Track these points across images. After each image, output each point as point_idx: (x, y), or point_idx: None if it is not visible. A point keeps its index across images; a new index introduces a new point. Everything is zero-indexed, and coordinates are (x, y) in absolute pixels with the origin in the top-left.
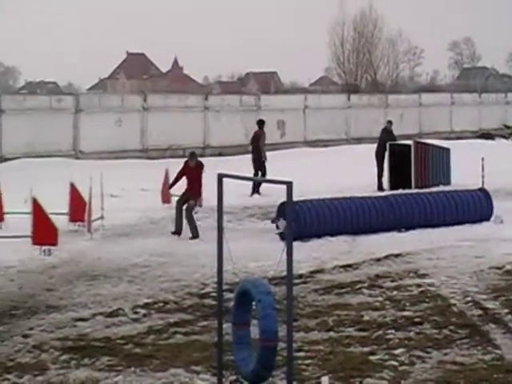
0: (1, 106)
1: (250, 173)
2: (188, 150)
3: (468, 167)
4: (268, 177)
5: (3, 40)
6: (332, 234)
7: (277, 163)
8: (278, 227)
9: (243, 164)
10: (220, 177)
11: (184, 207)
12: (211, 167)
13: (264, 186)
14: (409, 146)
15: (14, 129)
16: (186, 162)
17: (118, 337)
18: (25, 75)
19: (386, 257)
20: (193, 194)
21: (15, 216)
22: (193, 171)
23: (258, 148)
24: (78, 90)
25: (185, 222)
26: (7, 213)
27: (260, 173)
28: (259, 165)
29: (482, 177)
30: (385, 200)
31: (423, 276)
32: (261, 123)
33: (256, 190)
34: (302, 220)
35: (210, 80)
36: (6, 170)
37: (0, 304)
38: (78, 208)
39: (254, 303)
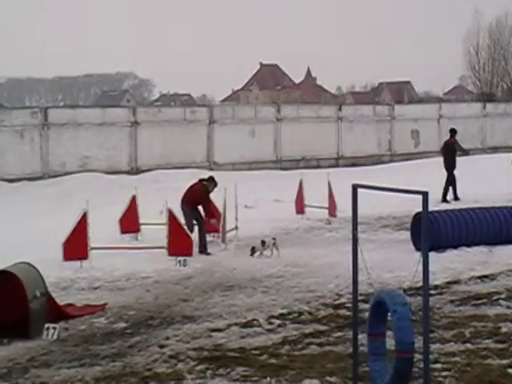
0: (136, 118)
1: (386, 183)
2: (322, 160)
3: None
4: (404, 187)
5: (138, 53)
6: (468, 245)
7: (411, 173)
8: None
9: (377, 174)
10: (354, 187)
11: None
12: (345, 178)
13: (398, 196)
14: None
15: (149, 141)
16: (205, 186)
17: (252, 347)
18: (159, 87)
19: None
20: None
21: (151, 227)
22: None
23: (448, 156)
24: (211, 102)
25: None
26: (143, 224)
27: (449, 180)
28: (449, 173)
29: None
30: None
31: None
32: (452, 132)
33: (455, 196)
34: (437, 231)
35: (343, 90)
36: (141, 182)
37: (137, 314)
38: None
39: (389, 314)
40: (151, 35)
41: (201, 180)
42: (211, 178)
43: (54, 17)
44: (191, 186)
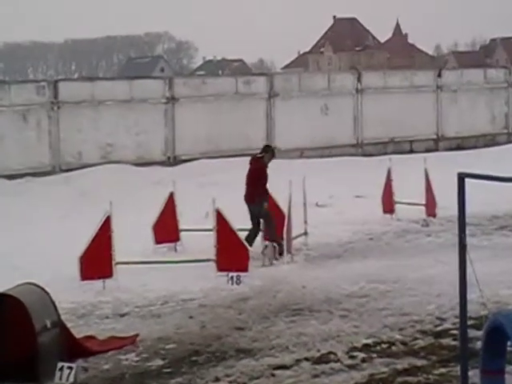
0: (173, 92)
1: (502, 170)
2: (416, 142)
3: None
4: None
5: (174, 8)
6: None
7: None
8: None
9: (490, 159)
10: (461, 177)
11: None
12: (447, 165)
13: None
14: None
15: (190, 122)
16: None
17: None
18: (202, 52)
19: None
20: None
21: (194, 234)
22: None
23: None
24: (271, 69)
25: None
26: (184, 230)
27: None
28: None
29: None
30: None
31: None
32: None
33: None
34: None
35: (443, 50)
36: (181, 176)
37: (177, 348)
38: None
39: (509, 343)
40: None
41: (254, 158)
42: (267, 147)
43: None
44: (249, 172)
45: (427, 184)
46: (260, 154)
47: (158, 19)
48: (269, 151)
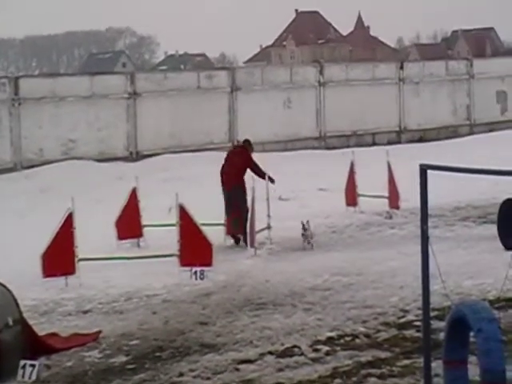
0: (135, 87)
1: (464, 162)
2: (379, 135)
3: None
4: (488, 166)
5: (136, 4)
6: None
7: (497, 148)
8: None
9: (452, 151)
10: (423, 169)
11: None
12: (410, 157)
13: (481, 179)
14: None
15: (152, 117)
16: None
17: (293, 382)
18: (164, 47)
19: None
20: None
21: (157, 229)
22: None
23: None
24: (233, 63)
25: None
26: (147, 226)
27: None
28: None
29: None
30: None
31: None
32: None
33: None
34: None
35: (406, 42)
36: (144, 170)
37: (140, 345)
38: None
39: (471, 334)
40: None
41: (237, 148)
42: (248, 142)
43: None
44: (233, 161)
45: (390, 176)
46: (242, 145)
47: (120, 14)
48: (250, 145)
